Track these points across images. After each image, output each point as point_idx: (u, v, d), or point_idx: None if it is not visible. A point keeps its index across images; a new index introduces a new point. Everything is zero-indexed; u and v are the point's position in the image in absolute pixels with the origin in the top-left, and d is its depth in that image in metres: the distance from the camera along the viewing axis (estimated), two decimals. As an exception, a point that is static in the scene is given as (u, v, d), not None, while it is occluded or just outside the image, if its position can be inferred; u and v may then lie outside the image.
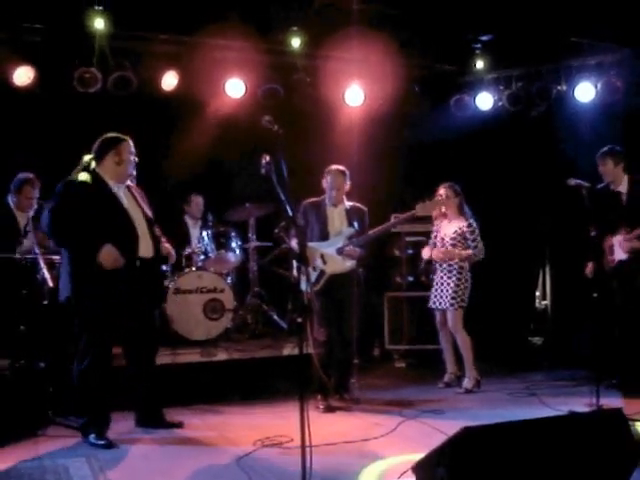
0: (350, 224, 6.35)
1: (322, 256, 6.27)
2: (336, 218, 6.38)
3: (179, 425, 5.56)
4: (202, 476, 4.53)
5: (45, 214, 5.12)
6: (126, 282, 5.13)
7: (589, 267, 6.63)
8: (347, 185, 6.38)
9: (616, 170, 6.67)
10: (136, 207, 5.37)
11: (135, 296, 5.21)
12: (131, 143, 5.37)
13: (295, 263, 6.35)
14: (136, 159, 5.39)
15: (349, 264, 6.32)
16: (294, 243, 6.48)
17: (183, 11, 7.22)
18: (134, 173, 5.42)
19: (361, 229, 6.38)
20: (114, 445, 5.05)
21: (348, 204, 6.43)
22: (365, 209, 6.50)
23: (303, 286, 6.04)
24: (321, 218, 6.36)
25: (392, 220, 6.78)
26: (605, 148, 6.72)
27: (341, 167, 6.39)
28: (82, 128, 7.67)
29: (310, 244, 6.22)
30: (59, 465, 4.66)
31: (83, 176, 5.19)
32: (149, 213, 5.46)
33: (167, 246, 5.61)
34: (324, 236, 6.33)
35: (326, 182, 6.37)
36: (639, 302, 6.50)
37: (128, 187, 5.42)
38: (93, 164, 5.27)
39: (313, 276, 6.14)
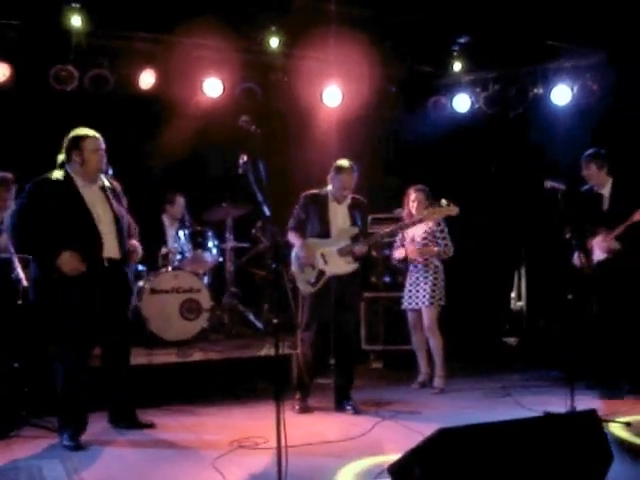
0: (353, 222, 6.06)
1: (322, 255, 5.98)
2: (339, 216, 6.06)
3: (151, 426, 5.52)
4: (177, 477, 4.50)
5: (11, 215, 5.05)
6: (94, 284, 5.05)
7: (577, 257, 6.53)
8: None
9: (600, 174, 6.57)
10: (105, 206, 5.21)
11: (105, 297, 5.15)
12: (96, 139, 5.18)
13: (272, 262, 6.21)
14: (102, 155, 5.19)
15: (351, 266, 6.03)
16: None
17: (161, 9, 7.21)
18: (103, 169, 5.27)
19: (362, 223, 6.14)
20: (82, 447, 4.99)
21: (349, 197, 6.11)
22: (364, 201, 6.22)
23: (300, 285, 5.97)
24: (323, 214, 6.03)
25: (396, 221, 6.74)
26: (590, 151, 6.60)
27: (350, 162, 6.03)
28: (58, 126, 7.60)
29: (310, 240, 6.00)
30: (33, 466, 4.62)
31: (56, 174, 5.12)
32: (120, 211, 5.32)
33: (133, 243, 5.45)
34: (325, 234, 6.02)
35: (335, 178, 6.01)
36: (616, 305, 6.52)
37: (103, 184, 5.29)
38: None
39: (312, 275, 5.93)
